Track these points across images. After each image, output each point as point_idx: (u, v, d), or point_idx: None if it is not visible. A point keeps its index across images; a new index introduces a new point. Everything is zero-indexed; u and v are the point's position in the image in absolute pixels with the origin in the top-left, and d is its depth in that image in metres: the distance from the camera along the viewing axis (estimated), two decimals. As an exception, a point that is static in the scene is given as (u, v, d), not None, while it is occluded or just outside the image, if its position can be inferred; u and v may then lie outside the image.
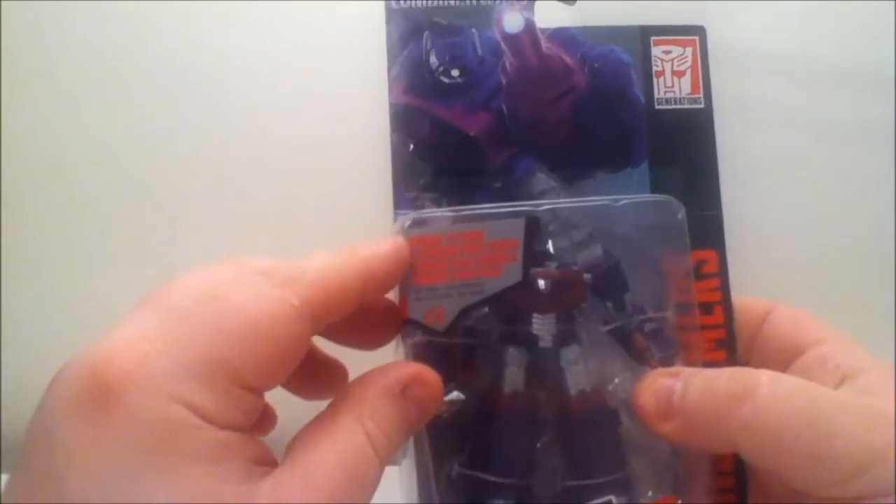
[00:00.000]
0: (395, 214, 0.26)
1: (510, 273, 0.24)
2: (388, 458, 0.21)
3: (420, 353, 0.24)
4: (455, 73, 0.26)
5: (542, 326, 0.25)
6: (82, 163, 0.44)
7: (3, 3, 0.42)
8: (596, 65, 0.27)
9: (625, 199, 0.26)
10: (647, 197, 0.27)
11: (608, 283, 0.26)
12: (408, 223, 0.24)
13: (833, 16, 0.41)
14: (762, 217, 0.44)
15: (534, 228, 0.25)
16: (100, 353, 0.19)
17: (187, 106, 0.43)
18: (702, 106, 0.28)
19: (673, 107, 0.28)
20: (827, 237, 0.44)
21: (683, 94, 0.28)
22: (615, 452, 0.25)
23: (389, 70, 0.26)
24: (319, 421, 0.21)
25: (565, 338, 0.25)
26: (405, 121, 0.26)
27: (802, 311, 0.28)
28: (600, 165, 0.27)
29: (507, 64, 0.26)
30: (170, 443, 0.17)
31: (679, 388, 0.23)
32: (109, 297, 0.46)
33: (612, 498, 0.24)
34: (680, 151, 0.27)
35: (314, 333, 0.21)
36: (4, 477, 0.43)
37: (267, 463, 0.19)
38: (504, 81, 0.26)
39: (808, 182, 0.44)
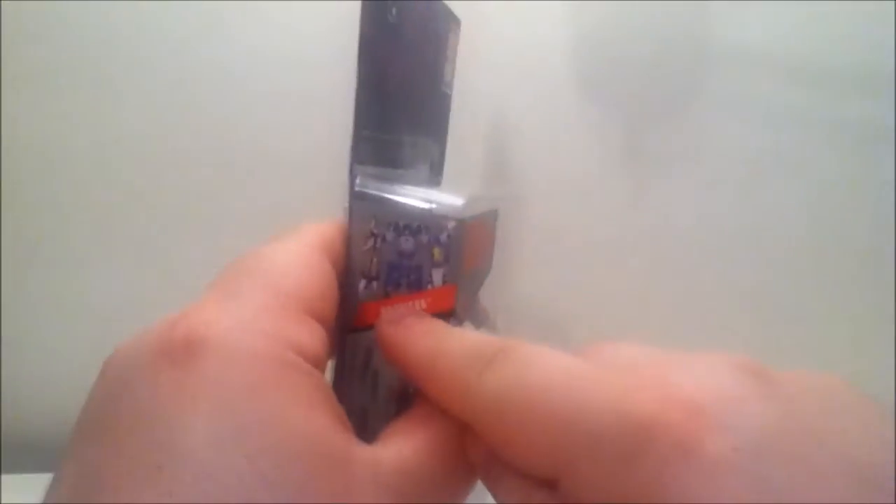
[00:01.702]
0: (354, 167, 0.23)
1: (490, 261, 0.25)
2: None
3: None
4: (394, 10, 0.23)
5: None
6: (82, 163, 0.44)
7: (2, 3, 0.41)
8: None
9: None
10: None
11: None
12: (463, 209, 0.22)
13: (833, 16, 0.41)
14: (762, 217, 0.44)
15: (496, 220, 0.25)
16: (172, 317, 0.17)
17: (187, 106, 0.43)
18: (450, 92, 0.29)
19: (446, 91, 0.28)
20: (827, 237, 0.44)
21: (449, 80, 0.28)
22: None
23: None
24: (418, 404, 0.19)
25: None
26: (368, 58, 0.23)
27: None
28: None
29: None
30: (267, 382, 0.15)
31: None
32: (109, 297, 0.46)
33: None
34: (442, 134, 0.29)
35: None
36: (4, 477, 0.44)
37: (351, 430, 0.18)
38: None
39: (807, 182, 0.44)
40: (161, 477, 0.14)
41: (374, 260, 0.22)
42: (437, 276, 0.22)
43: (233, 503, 0.13)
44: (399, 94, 0.24)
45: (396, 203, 0.22)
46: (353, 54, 0.23)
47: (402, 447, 0.17)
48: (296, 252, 0.20)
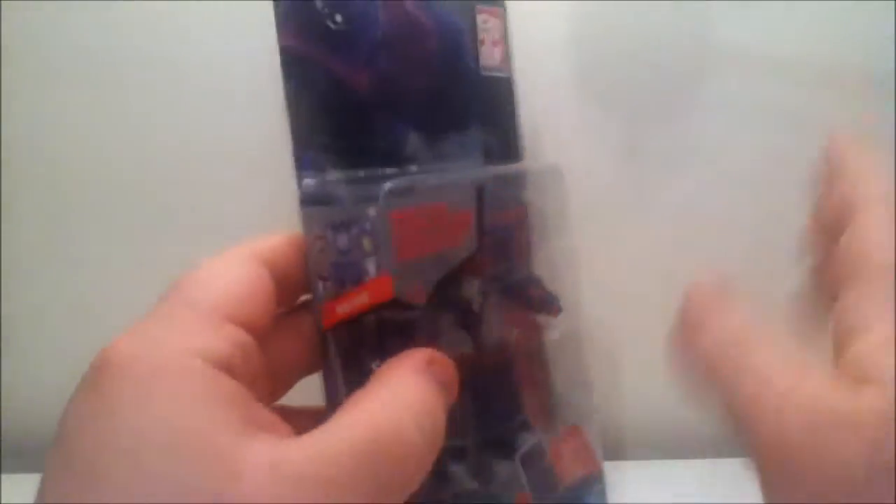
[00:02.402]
0: (299, 176, 0.24)
1: (468, 242, 0.25)
2: (432, 442, 0.18)
3: (389, 334, 0.23)
4: (339, 18, 0.23)
5: (471, 289, 0.25)
6: (82, 163, 0.44)
7: (2, 3, 0.41)
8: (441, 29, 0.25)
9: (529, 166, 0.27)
10: (540, 165, 0.26)
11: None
12: (382, 197, 0.22)
13: (833, 16, 0.41)
14: (761, 217, 0.44)
15: (482, 197, 0.25)
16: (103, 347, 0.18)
17: (189, 106, 0.43)
18: (507, 75, 0.28)
19: (494, 74, 0.28)
20: (827, 237, 0.44)
21: (497, 63, 0.28)
22: (513, 397, 0.26)
23: (276, 7, 0.23)
24: (344, 403, 0.19)
25: (487, 299, 0.25)
26: (298, 69, 0.24)
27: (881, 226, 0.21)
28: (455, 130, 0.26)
29: (382, 15, 0.23)
30: (158, 390, 0.16)
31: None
32: (109, 297, 0.46)
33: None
34: (498, 118, 0.28)
35: (277, 280, 0.22)
36: (5, 477, 0.44)
37: (276, 431, 0.17)
38: (380, 34, 0.23)
39: (807, 182, 0.44)
40: (69, 490, 0.15)
41: (324, 261, 0.22)
42: (371, 266, 0.22)
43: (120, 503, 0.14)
44: (381, 95, 0.24)
45: (330, 202, 0.23)
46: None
47: (324, 434, 0.17)
48: (218, 264, 0.21)
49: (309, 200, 0.23)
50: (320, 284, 0.23)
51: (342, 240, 0.22)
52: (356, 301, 0.22)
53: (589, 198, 0.44)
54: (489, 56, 0.28)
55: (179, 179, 0.44)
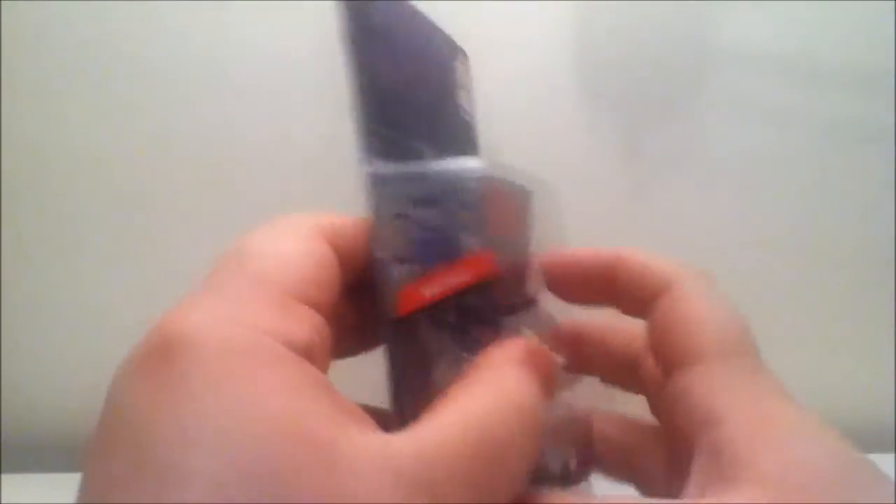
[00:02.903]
0: (365, 155, 0.22)
1: (524, 238, 0.24)
2: (534, 434, 0.17)
3: (472, 318, 0.21)
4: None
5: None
6: (82, 163, 0.44)
7: (2, 3, 0.41)
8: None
9: None
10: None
11: None
12: (480, 168, 0.21)
13: (833, 16, 0.41)
14: (761, 217, 0.44)
15: (529, 200, 0.25)
16: (155, 322, 0.16)
17: (189, 106, 0.43)
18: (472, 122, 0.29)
19: (469, 120, 0.28)
20: (826, 237, 0.44)
21: (468, 108, 0.28)
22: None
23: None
24: (443, 397, 0.17)
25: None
26: (361, 53, 0.23)
27: (699, 295, 0.22)
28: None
29: None
30: (240, 374, 0.14)
31: None
32: (109, 297, 0.46)
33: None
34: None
35: (340, 259, 0.20)
36: (5, 477, 0.44)
37: (365, 424, 0.16)
38: None
39: (807, 182, 0.44)
40: (143, 490, 0.13)
41: (403, 240, 0.21)
42: (470, 241, 0.21)
43: (210, 503, 0.12)
44: (405, 99, 0.23)
45: (412, 177, 0.21)
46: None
47: (425, 432, 0.15)
48: (285, 237, 0.19)
49: (383, 178, 0.21)
50: (396, 268, 0.21)
51: (431, 215, 0.21)
52: (450, 280, 0.20)
53: (589, 198, 0.44)
54: (464, 98, 0.28)
55: (180, 179, 0.44)
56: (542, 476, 0.21)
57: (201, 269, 0.21)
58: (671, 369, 0.21)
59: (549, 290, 0.25)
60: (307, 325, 0.17)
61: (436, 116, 0.26)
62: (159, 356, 0.15)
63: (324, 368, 0.17)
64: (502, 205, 0.22)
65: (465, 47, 0.29)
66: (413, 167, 0.21)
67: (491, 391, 0.17)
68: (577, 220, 0.45)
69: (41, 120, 0.43)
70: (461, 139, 0.27)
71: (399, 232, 0.21)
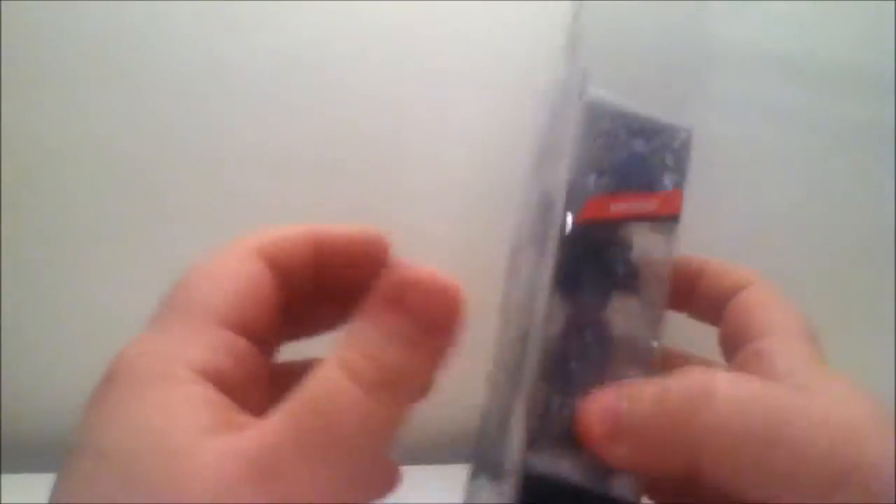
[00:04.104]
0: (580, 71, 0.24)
1: None
2: (386, 387, 0.16)
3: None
4: None
5: None
6: (82, 163, 0.44)
7: (2, 3, 0.41)
8: None
9: None
10: None
11: None
12: (691, 127, 0.24)
13: (833, 16, 0.41)
14: (761, 217, 0.44)
15: None
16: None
17: (190, 106, 0.43)
18: None
19: None
20: (827, 237, 0.44)
21: None
22: None
23: None
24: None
25: None
26: None
27: (771, 294, 0.26)
28: None
29: None
30: (150, 392, 0.17)
31: (625, 407, 0.21)
32: (109, 297, 0.46)
33: None
34: None
35: (279, 276, 0.21)
36: (5, 477, 0.44)
37: (234, 429, 0.17)
38: None
39: (807, 182, 0.44)
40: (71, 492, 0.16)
41: (607, 156, 0.22)
42: (668, 180, 0.23)
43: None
44: None
45: (630, 108, 0.23)
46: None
47: (269, 421, 0.16)
48: (219, 264, 0.21)
49: (604, 102, 0.23)
50: (593, 176, 0.22)
51: (640, 145, 0.23)
52: (640, 205, 0.22)
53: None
54: None
55: (181, 179, 0.44)
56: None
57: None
58: (746, 341, 0.24)
59: None
60: (225, 351, 0.19)
61: None
62: (104, 383, 0.18)
63: (242, 386, 0.19)
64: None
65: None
66: (627, 106, 0.24)
67: (324, 366, 0.17)
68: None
69: (41, 119, 0.43)
70: None
71: (606, 148, 0.22)
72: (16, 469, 0.44)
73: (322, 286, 0.22)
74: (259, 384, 0.20)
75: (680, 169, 0.23)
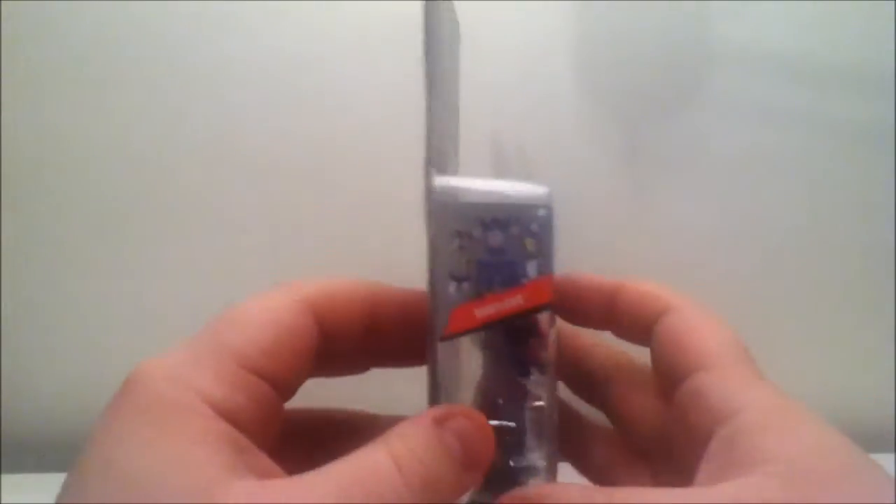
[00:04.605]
0: (430, 169, 0.22)
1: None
2: (422, 486, 0.18)
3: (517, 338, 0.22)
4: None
5: None
6: (82, 163, 0.44)
7: (2, 3, 0.41)
8: None
9: None
10: None
11: None
12: (549, 197, 0.22)
13: (833, 16, 0.41)
14: (761, 217, 0.44)
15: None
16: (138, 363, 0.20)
17: (190, 106, 0.43)
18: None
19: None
20: (826, 237, 0.44)
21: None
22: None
23: None
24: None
25: None
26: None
27: (695, 316, 0.24)
28: None
29: None
30: (166, 419, 0.17)
31: None
32: (109, 297, 0.46)
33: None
34: None
35: (325, 332, 0.22)
36: (4, 477, 0.44)
37: (268, 475, 0.18)
38: None
39: (807, 182, 0.44)
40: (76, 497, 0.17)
41: (463, 260, 0.21)
42: (532, 268, 0.21)
43: None
44: (449, 101, 0.24)
45: (479, 197, 0.22)
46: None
47: (313, 477, 0.17)
48: (260, 307, 0.21)
49: (450, 195, 0.21)
50: (453, 285, 0.21)
51: (496, 238, 0.21)
52: (507, 304, 0.21)
53: (588, 198, 0.44)
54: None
55: (183, 180, 0.44)
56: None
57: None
58: (682, 376, 0.22)
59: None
60: (242, 392, 0.19)
61: (453, 109, 0.26)
62: (121, 393, 0.18)
63: (257, 431, 0.19)
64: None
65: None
66: (482, 187, 0.22)
67: (381, 446, 0.18)
68: (576, 220, 0.45)
69: (42, 119, 0.43)
70: (455, 127, 0.28)
71: (461, 251, 0.21)
72: (16, 469, 0.44)
73: (363, 340, 0.23)
74: (272, 426, 0.20)
75: (544, 252, 0.21)
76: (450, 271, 0.21)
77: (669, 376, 0.23)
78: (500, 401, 0.22)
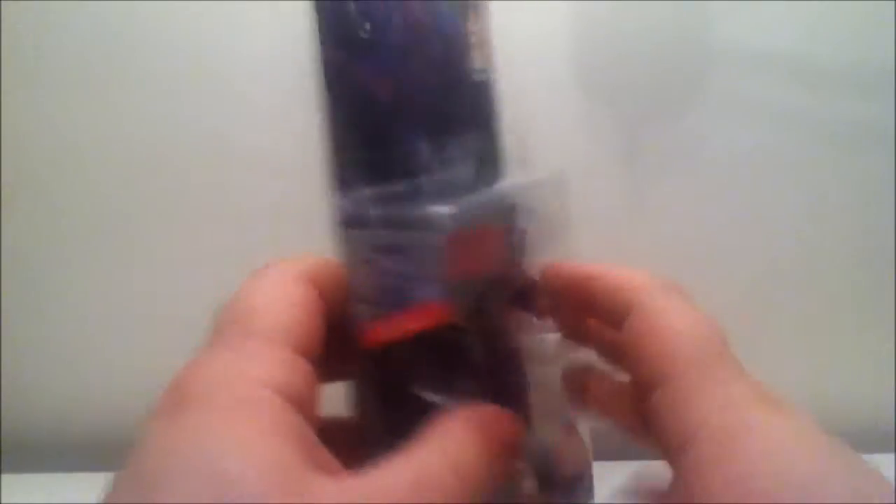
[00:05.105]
0: (337, 194, 0.23)
1: (503, 259, 0.25)
2: (471, 489, 0.19)
3: (429, 356, 0.23)
4: (367, 26, 0.23)
5: (497, 299, 0.25)
6: (82, 164, 0.44)
7: (2, 2, 0.42)
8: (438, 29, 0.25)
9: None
10: (548, 174, 0.27)
11: None
12: (438, 222, 0.22)
13: (833, 16, 0.41)
14: (761, 217, 0.44)
15: (515, 213, 0.25)
16: (179, 372, 0.19)
17: (190, 107, 0.43)
18: (492, 77, 0.28)
19: (482, 77, 0.28)
20: (826, 237, 0.44)
21: (484, 65, 0.27)
22: (520, 398, 0.27)
23: (319, 18, 0.23)
24: (398, 450, 0.20)
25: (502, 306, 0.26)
26: (335, 81, 0.24)
27: (664, 308, 0.22)
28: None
29: (397, 20, 0.23)
30: (232, 420, 0.17)
31: None
32: (109, 297, 0.46)
33: None
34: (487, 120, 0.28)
35: (328, 303, 0.22)
36: (5, 477, 0.44)
37: (335, 470, 0.19)
38: (399, 40, 0.23)
39: (807, 182, 0.44)
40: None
41: (367, 283, 0.22)
42: (421, 291, 0.22)
43: None
44: (401, 103, 0.24)
45: (379, 224, 0.22)
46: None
47: (380, 477, 0.18)
48: (273, 288, 0.21)
49: (352, 222, 0.23)
50: (362, 307, 0.22)
51: (389, 263, 0.22)
52: (402, 325, 0.22)
53: (589, 197, 0.44)
54: (478, 58, 0.28)
55: (183, 180, 0.44)
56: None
57: (201, 271, 0.21)
58: (646, 389, 0.21)
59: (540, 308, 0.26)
60: (298, 375, 0.19)
61: (440, 99, 0.26)
62: (174, 406, 0.18)
63: (311, 410, 0.19)
64: (471, 248, 0.23)
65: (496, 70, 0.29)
66: (378, 211, 0.22)
67: (435, 447, 0.19)
68: (576, 220, 0.45)
69: (42, 120, 0.43)
70: (475, 108, 0.27)
71: (363, 275, 0.22)
72: (16, 469, 0.44)
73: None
74: (319, 404, 0.20)
75: (433, 278, 0.22)
76: (357, 291, 0.22)
77: (638, 386, 0.22)
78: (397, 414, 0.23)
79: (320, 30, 0.23)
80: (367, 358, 0.23)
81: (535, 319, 0.28)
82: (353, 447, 0.20)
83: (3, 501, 0.40)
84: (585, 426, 0.30)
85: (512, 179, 0.26)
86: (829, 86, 0.42)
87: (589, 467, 0.31)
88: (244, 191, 0.43)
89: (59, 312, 0.46)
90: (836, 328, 0.45)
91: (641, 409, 0.21)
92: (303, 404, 0.19)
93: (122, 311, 0.45)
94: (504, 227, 0.25)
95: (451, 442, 0.20)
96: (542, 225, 0.28)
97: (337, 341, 0.22)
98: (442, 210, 0.22)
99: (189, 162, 0.43)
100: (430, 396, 0.23)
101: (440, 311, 0.22)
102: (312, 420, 0.19)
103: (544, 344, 0.29)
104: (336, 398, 0.24)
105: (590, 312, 0.25)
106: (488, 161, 0.28)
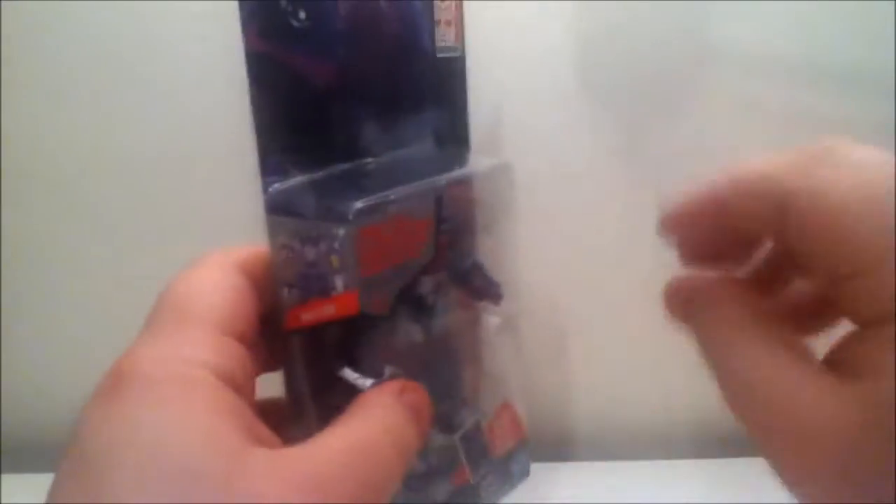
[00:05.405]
0: (265, 182, 0.24)
1: (427, 249, 0.25)
2: (404, 457, 0.21)
3: (351, 339, 0.24)
4: (302, 14, 0.23)
5: (426, 286, 0.26)
6: (82, 164, 0.44)
7: (2, 3, 0.42)
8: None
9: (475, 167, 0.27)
10: (491, 164, 0.28)
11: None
12: (351, 216, 0.22)
13: (833, 16, 0.41)
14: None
15: (440, 205, 0.25)
16: (118, 358, 0.20)
17: (189, 107, 0.43)
18: (460, 55, 0.28)
19: (447, 55, 0.28)
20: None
21: (451, 43, 0.28)
22: (455, 378, 0.28)
23: (241, 9, 0.24)
24: (331, 424, 0.21)
25: (438, 290, 0.27)
26: (262, 71, 0.24)
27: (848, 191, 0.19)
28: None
29: (341, 5, 0.24)
30: (170, 399, 0.18)
31: None
32: (108, 297, 0.46)
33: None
34: (450, 98, 0.28)
35: (258, 290, 0.23)
36: (5, 477, 0.44)
37: (272, 443, 0.20)
38: (342, 25, 0.24)
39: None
40: (80, 484, 0.17)
41: (289, 269, 0.23)
42: (339, 282, 0.23)
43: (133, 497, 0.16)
44: (339, 88, 0.24)
45: (298, 214, 0.23)
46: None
47: (319, 446, 0.19)
48: (207, 276, 0.22)
49: (275, 209, 0.23)
50: (286, 290, 0.23)
51: (310, 253, 0.23)
52: (322, 311, 0.23)
53: (588, 197, 0.44)
54: (444, 37, 0.28)
55: (182, 180, 0.44)
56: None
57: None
58: (830, 280, 0.19)
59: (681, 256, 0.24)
60: (232, 357, 0.20)
61: (398, 76, 0.26)
62: (108, 388, 0.18)
63: (247, 391, 0.20)
64: (380, 241, 0.23)
65: (466, 48, 0.29)
66: (299, 202, 0.23)
67: (369, 418, 0.21)
68: (576, 220, 0.45)
69: (42, 120, 0.43)
70: (436, 85, 0.28)
71: (286, 261, 0.23)
72: (16, 469, 0.44)
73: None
74: (253, 385, 0.22)
75: (348, 268, 0.22)
76: (281, 277, 0.23)
77: (819, 276, 0.19)
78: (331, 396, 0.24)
79: (246, 21, 0.24)
80: (293, 341, 0.23)
81: (474, 301, 0.28)
82: (290, 428, 0.21)
83: (3, 501, 0.40)
84: (522, 406, 0.31)
85: (445, 172, 0.27)
86: (830, 86, 0.42)
87: (524, 444, 0.32)
88: (247, 191, 0.43)
89: (59, 312, 0.47)
90: (835, 328, 0.45)
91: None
92: (237, 384, 0.19)
93: (122, 311, 0.45)
94: (428, 218, 0.26)
95: (381, 409, 0.21)
96: (485, 212, 0.29)
97: (275, 328, 0.24)
98: (351, 205, 0.22)
99: (191, 162, 0.43)
100: (354, 377, 0.23)
101: (353, 302, 0.23)
102: (249, 400, 0.20)
103: (483, 324, 0.30)
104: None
105: (732, 237, 0.22)
106: (448, 137, 0.28)
